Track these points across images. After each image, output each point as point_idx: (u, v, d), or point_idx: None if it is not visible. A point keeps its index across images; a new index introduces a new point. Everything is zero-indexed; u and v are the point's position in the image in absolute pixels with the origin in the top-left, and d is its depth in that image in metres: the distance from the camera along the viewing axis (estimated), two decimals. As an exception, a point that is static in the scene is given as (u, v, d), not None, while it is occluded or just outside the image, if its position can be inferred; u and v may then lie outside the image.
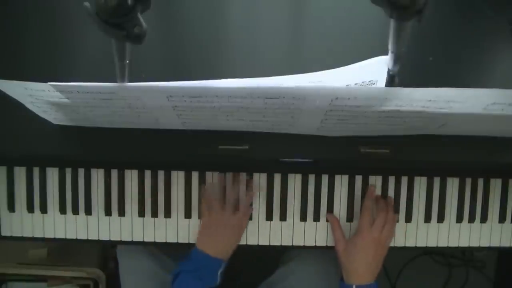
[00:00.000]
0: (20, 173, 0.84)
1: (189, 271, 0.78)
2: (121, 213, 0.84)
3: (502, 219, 0.85)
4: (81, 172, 0.83)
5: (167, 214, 0.84)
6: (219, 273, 0.79)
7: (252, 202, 0.83)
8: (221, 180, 0.83)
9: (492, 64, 0.74)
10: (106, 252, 1.20)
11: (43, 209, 0.84)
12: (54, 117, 0.69)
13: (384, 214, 0.80)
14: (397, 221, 0.83)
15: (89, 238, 0.85)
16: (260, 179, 0.84)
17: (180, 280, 0.77)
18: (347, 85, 0.65)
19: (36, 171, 0.84)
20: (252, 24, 0.77)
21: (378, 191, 0.84)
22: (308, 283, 0.86)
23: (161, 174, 0.83)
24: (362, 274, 0.76)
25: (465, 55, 0.74)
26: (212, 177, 0.84)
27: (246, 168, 0.83)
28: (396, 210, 0.83)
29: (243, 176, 0.83)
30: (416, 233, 0.85)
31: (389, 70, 0.63)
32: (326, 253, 0.86)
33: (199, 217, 0.84)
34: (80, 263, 1.13)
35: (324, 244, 0.85)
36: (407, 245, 0.85)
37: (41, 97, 0.60)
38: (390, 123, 0.64)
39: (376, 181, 0.84)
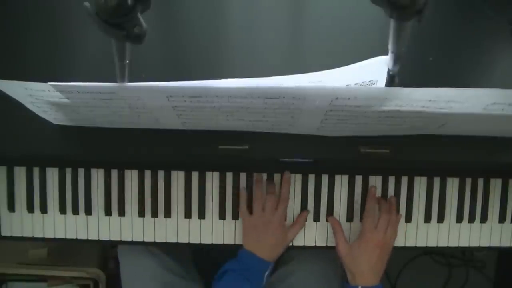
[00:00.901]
0: (20, 173, 0.84)
1: (236, 270, 0.78)
2: (121, 213, 0.84)
3: (502, 219, 0.85)
4: (81, 172, 0.83)
5: (167, 214, 0.84)
6: (265, 275, 0.79)
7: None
8: (258, 181, 0.83)
9: (492, 64, 0.74)
10: (106, 252, 1.20)
11: (43, 209, 0.84)
12: (54, 117, 0.69)
13: (387, 215, 0.79)
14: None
15: (89, 238, 0.85)
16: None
17: (226, 279, 0.78)
18: (347, 85, 0.65)
19: (36, 171, 0.84)
20: (252, 24, 0.77)
21: (378, 191, 0.84)
22: (308, 283, 0.86)
23: (161, 174, 0.83)
24: (367, 276, 0.76)
25: (465, 55, 0.74)
26: (212, 177, 0.84)
27: (246, 168, 0.83)
28: (397, 210, 0.83)
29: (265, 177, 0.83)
30: (416, 233, 0.85)
31: (389, 70, 0.63)
32: (326, 253, 0.86)
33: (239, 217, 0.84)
34: (80, 263, 1.13)
35: (324, 244, 0.85)
36: (407, 245, 0.85)
37: (41, 97, 0.60)
38: (390, 123, 0.64)
39: (376, 181, 0.84)
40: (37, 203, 0.84)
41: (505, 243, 0.86)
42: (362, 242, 0.78)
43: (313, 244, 0.85)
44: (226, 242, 0.85)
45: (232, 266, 0.79)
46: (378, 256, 0.77)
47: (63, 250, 1.15)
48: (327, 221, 0.84)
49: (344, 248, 0.79)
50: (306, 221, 0.84)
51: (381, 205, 0.81)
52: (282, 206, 0.81)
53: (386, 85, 0.65)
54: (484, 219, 0.85)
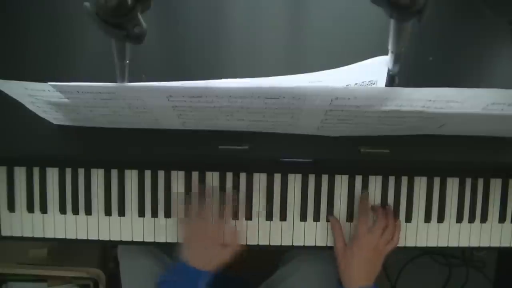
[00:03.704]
0: (20, 173, 0.84)
1: (172, 282, 0.77)
2: (121, 213, 0.84)
3: (502, 219, 0.85)
4: (81, 172, 0.83)
5: (167, 214, 0.84)
6: (203, 284, 0.77)
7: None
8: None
9: (492, 64, 0.74)
10: (106, 252, 1.20)
11: (43, 209, 0.84)
12: (54, 117, 0.69)
13: (384, 220, 0.80)
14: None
15: (89, 238, 0.85)
16: (260, 179, 0.84)
17: None
18: (347, 85, 0.65)
19: (36, 171, 0.84)
20: (252, 24, 0.77)
21: (378, 191, 0.84)
22: (308, 283, 0.86)
23: (161, 174, 0.83)
24: (358, 277, 0.77)
25: (465, 55, 0.74)
26: (212, 177, 0.83)
27: (246, 168, 0.83)
28: (396, 210, 0.83)
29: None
30: (416, 233, 0.85)
31: (389, 70, 0.63)
32: (326, 253, 0.86)
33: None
34: (80, 263, 1.13)
35: (324, 244, 0.85)
36: (407, 245, 0.85)
37: (41, 97, 0.60)
38: (390, 123, 0.64)
39: (376, 181, 0.84)
40: (37, 203, 0.84)
41: (505, 243, 0.86)
42: (355, 243, 0.79)
43: (313, 244, 0.85)
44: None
45: (168, 277, 0.78)
46: (369, 257, 0.78)
47: (63, 250, 1.15)
48: (327, 221, 0.84)
49: (341, 250, 0.80)
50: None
51: (377, 211, 0.82)
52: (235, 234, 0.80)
53: (386, 85, 0.65)
54: (484, 219, 0.85)
